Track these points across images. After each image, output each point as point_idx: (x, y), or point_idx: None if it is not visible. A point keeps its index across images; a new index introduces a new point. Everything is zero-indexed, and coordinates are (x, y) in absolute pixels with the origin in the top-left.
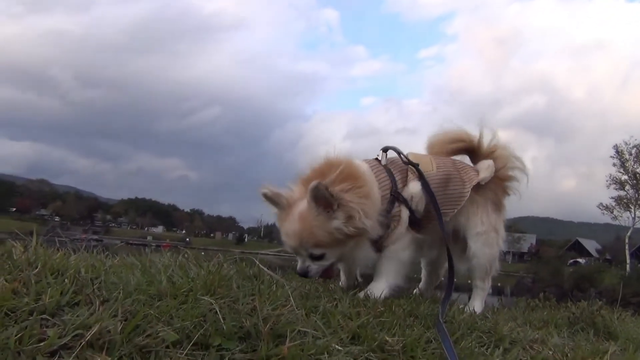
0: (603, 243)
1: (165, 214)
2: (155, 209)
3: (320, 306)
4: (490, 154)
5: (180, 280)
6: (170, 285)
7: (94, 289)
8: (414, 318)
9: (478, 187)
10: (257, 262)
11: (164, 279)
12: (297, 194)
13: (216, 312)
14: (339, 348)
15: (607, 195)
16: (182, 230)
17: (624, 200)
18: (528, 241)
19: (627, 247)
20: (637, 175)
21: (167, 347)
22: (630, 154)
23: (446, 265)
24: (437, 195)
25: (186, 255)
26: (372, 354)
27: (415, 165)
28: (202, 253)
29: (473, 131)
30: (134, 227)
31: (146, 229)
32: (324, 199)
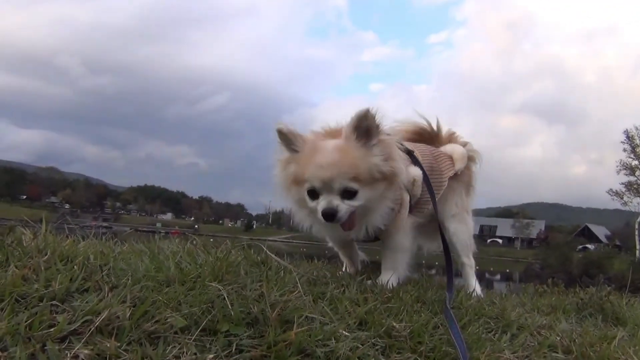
0: (612, 229)
1: (174, 201)
2: (164, 196)
3: (327, 292)
4: (449, 137)
5: (188, 267)
6: (178, 271)
7: (103, 276)
8: (421, 304)
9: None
10: (265, 249)
11: (172, 266)
12: (316, 137)
13: (224, 298)
14: (347, 334)
15: (617, 181)
16: (191, 217)
17: (634, 186)
18: (537, 227)
19: (636, 233)
20: None
21: (176, 332)
22: None
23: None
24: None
25: (194, 242)
26: (379, 340)
27: (411, 152)
28: (211, 240)
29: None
30: (143, 214)
31: (155, 216)
32: (365, 131)
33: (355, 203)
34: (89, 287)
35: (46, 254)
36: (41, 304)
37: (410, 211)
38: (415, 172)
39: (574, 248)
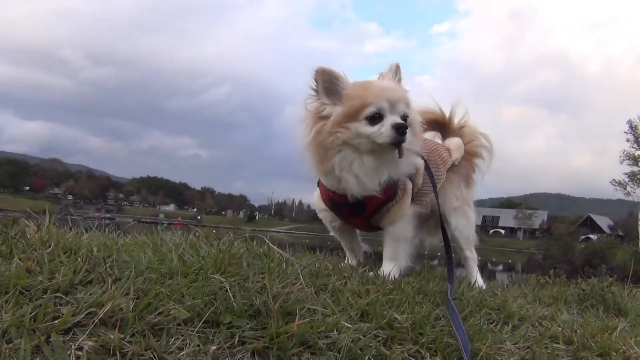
0: (615, 219)
1: (177, 193)
2: (167, 187)
3: (329, 284)
4: (459, 130)
5: (191, 259)
6: (181, 263)
7: (106, 268)
8: (422, 295)
9: (451, 166)
10: (267, 241)
11: (175, 258)
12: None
13: (226, 290)
14: (348, 325)
15: (620, 171)
16: (194, 209)
17: (638, 176)
18: (540, 218)
19: (639, 223)
20: None
21: (179, 324)
22: None
23: None
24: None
25: (197, 234)
26: (380, 331)
27: None
28: (214, 231)
29: (445, 107)
30: (146, 205)
31: (158, 207)
32: (399, 82)
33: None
34: (92, 279)
35: (50, 247)
36: (45, 296)
37: (411, 200)
38: (418, 160)
39: (577, 238)
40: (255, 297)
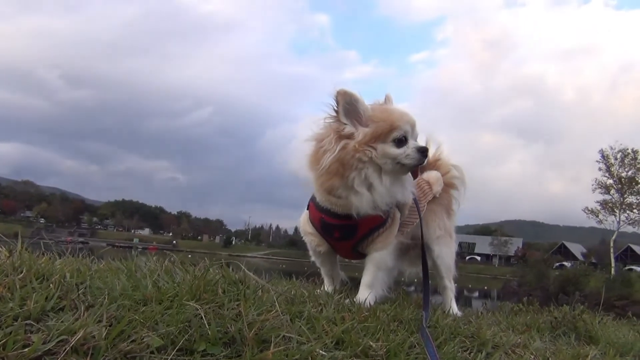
0: (589, 246)
1: (152, 216)
2: (142, 211)
3: (305, 311)
4: (435, 163)
5: (166, 285)
6: (155, 290)
7: (79, 294)
8: (397, 323)
9: (432, 197)
10: (243, 267)
11: (150, 284)
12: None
13: (201, 317)
14: (323, 353)
15: (592, 199)
16: (169, 233)
17: (609, 205)
18: (515, 245)
19: (612, 250)
20: (622, 179)
21: (152, 352)
22: (616, 159)
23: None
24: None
25: (172, 259)
26: (355, 359)
27: None
28: (189, 256)
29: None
30: (120, 229)
31: (133, 231)
32: None
33: None
34: (64, 306)
35: (22, 272)
36: (16, 323)
37: None
38: (413, 189)
39: (551, 265)
40: (231, 324)
